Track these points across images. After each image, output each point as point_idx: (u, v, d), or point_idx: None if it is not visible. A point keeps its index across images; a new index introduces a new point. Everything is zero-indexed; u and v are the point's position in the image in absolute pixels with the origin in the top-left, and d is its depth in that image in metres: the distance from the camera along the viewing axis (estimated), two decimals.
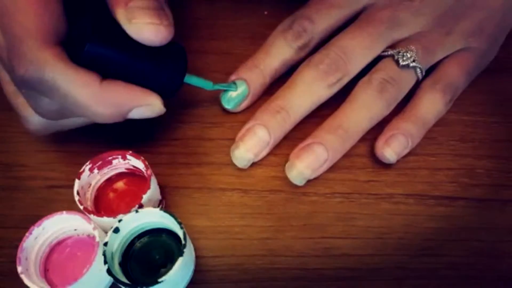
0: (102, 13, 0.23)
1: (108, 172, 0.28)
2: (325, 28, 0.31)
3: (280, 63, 0.32)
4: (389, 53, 0.30)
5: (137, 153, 0.27)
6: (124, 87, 0.24)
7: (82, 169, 0.26)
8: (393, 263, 0.27)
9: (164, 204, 0.29)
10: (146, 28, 0.23)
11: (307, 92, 0.30)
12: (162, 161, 0.30)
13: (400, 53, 0.30)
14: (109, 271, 0.23)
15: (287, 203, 0.29)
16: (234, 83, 0.31)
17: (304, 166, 0.28)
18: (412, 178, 0.30)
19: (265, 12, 0.37)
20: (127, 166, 0.28)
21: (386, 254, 0.27)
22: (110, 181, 0.29)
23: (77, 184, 0.26)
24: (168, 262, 0.25)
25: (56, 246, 0.27)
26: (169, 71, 0.26)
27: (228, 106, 0.31)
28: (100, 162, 0.27)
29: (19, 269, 0.24)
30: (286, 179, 0.30)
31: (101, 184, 0.28)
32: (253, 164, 0.30)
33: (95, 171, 0.27)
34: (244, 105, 0.32)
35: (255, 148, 0.29)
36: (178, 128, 0.32)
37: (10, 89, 0.26)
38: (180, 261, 0.23)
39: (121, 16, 0.22)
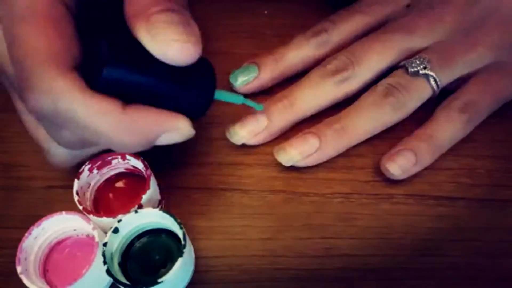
0: (121, 32, 0.21)
1: (108, 172, 0.28)
2: (345, 30, 0.31)
3: (295, 56, 0.32)
4: (402, 63, 0.30)
5: (137, 153, 0.27)
6: (149, 112, 0.21)
7: (81, 169, 0.26)
8: (393, 263, 0.27)
9: (164, 204, 0.29)
10: (172, 46, 0.20)
11: (313, 88, 0.30)
12: (162, 161, 0.30)
13: (410, 61, 0.29)
14: (108, 272, 0.23)
15: (287, 203, 0.29)
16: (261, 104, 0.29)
17: (289, 146, 0.29)
18: (412, 178, 0.30)
19: (265, 12, 0.37)
20: (127, 166, 0.28)
21: (386, 254, 0.27)
22: (110, 181, 0.29)
23: (76, 184, 0.26)
24: (167, 262, 0.25)
25: (56, 246, 0.27)
26: (197, 90, 0.23)
27: (233, 82, 0.32)
28: (99, 162, 0.27)
29: (19, 269, 0.24)
30: (286, 179, 0.30)
31: (101, 184, 0.28)
32: (253, 164, 0.30)
33: (95, 171, 0.27)
34: (250, 86, 0.32)
35: (250, 126, 0.30)
36: None
37: (29, 120, 0.25)
38: (179, 261, 0.23)
39: (142, 32, 0.20)
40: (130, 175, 0.29)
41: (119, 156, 0.27)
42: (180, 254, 0.23)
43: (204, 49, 0.37)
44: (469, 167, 0.30)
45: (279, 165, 0.30)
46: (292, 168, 0.30)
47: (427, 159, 0.29)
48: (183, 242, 0.23)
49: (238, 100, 0.27)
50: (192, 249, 0.27)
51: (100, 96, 0.20)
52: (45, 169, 0.30)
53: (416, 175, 0.30)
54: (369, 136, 0.30)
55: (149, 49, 0.20)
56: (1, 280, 0.27)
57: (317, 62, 0.31)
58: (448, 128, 0.29)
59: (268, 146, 0.31)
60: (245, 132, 0.29)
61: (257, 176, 0.30)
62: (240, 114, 0.32)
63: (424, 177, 0.30)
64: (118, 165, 0.28)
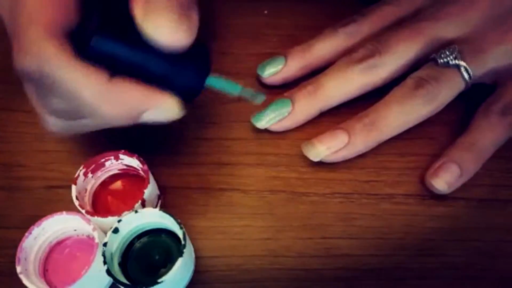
0: (116, 3, 0.21)
1: (102, 175, 0.28)
2: (375, 21, 0.31)
3: (323, 46, 0.31)
4: (431, 56, 0.29)
5: (138, 154, 0.27)
6: (135, 86, 0.21)
7: (76, 174, 0.26)
8: (393, 263, 0.27)
9: (163, 199, 0.29)
10: (161, 32, 0.20)
11: (339, 75, 0.30)
12: (162, 161, 0.30)
13: (440, 52, 0.28)
14: (108, 272, 0.23)
15: (287, 203, 0.29)
16: (263, 93, 0.28)
17: (318, 141, 0.28)
18: (412, 178, 0.30)
19: (265, 12, 0.37)
20: (120, 166, 0.28)
21: (386, 254, 0.27)
22: (105, 184, 0.29)
23: (74, 189, 0.26)
24: (167, 262, 0.25)
25: (56, 246, 0.27)
26: (188, 72, 0.23)
27: (261, 73, 0.32)
28: (93, 166, 0.27)
29: (18, 269, 0.24)
30: (286, 179, 0.30)
31: (97, 188, 0.28)
32: (253, 164, 0.30)
33: (89, 175, 0.27)
34: (277, 77, 0.32)
35: (275, 112, 0.30)
36: (178, 128, 0.32)
37: (29, 93, 0.24)
38: (179, 261, 0.23)
39: (137, 12, 0.20)
40: (125, 175, 0.29)
41: (112, 157, 0.27)
42: (180, 254, 0.23)
43: None
44: None
45: (279, 165, 0.30)
46: (292, 168, 0.30)
47: (472, 169, 0.28)
48: (183, 242, 0.23)
49: (235, 89, 0.25)
50: (192, 249, 0.27)
51: (86, 64, 0.20)
52: (45, 169, 0.30)
53: (416, 175, 0.30)
54: (401, 131, 0.29)
55: (138, 27, 0.20)
56: (1, 280, 0.27)
57: (346, 53, 0.31)
58: (490, 134, 0.28)
59: (268, 146, 0.31)
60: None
61: (257, 176, 0.30)
62: (241, 113, 0.32)
63: (424, 177, 0.30)
64: (112, 166, 0.28)
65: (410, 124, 0.29)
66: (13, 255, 0.24)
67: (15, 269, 0.24)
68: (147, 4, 0.20)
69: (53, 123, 0.24)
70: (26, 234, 0.25)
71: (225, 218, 0.29)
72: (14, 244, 0.24)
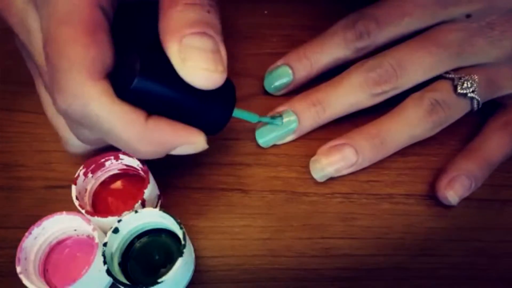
0: (152, 45, 0.21)
1: (102, 175, 0.28)
2: (391, 36, 0.29)
3: (332, 60, 0.31)
4: (449, 76, 0.28)
5: None
6: (169, 126, 0.22)
7: (76, 174, 0.26)
8: (393, 263, 0.27)
9: (163, 199, 0.29)
10: (200, 74, 0.20)
11: (349, 94, 0.29)
12: (161, 161, 0.30)
13: (460, 80, 0.28)
14: (108, 272, 0.23)
15: (287, 203, 0.29)
16: (281, 116, 0.30)
17: (327, 163, 0.28)
18: (412, 178, 0.30)
19: (265, 12, 0.37)
20: (120, 166, 0.28)
21: (386, 254, 0.27)
22: (105, 184, 0.29)
23: (74, 189, 0.26)
24: (167, 262, 0.25)
25: (56, 246, 0.27)
26: (217, 108, 0.24)
27: (269, 89, 0.32)
28: (93, 166, 0.27)
29: (18, 269, 0.24)
30: (286, 179, 0.30)
31: (97, 188, 0.28)
32: (253, 164, 0.30)
33: (89, 175, 0.27)
34: (284, 91, 0.32)
35: (282, 132, 0.30)
36: None
37: (51, 110, 0.25)
38: (179, 261, 0.23)
39: (174, 52, 0.20)
40: (124, 175, 0.29)
41: (112, 157, 0.27)
42: (180, 254, 0.23)
43: None
44: None
45: (279, 165, 0.30)
46: (292, 168, 0.30)
47: (481, 179, 0.29)
48: (183, 242, 0.23)
49: (254, 118, 0.27)
50: (192, 249, 0.27)
51: (127, 106, 0.21)
52: (45, 169, 0.30)
53: (416, 175, 0.30)
54: (402, 147, 0.29)
55: (177, 71, 0.20)
56: (1, 280, 0.27)
57: (354, 61, 0.30)
58: (502, 152, 0.29)
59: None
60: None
61: (257, 176, 0.30)
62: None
63: (424, 177, 0.30)
64: (111, 166, 0.28)
65: (412, 142, 0.29)
66: (13, 255, 0.24)
67: (15, 269, 0.23)
68: (182, 46, 0.20)
69: (76, 145, 0.25)
70: (26, 234, 0.25)
71: (225, 218, 0.29)
72: (14, 244, 0.24)
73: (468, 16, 0.28)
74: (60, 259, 0.26)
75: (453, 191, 0.28)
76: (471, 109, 0.29)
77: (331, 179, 0.30)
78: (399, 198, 0.29)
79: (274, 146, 0.31)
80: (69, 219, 0.25)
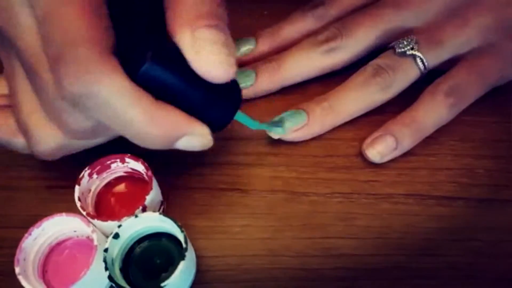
0: (160, 31, 0.21)
1: (107, 176, 0.28)
2: (342, 4, 0.33)
3: (292, 29, 0.33)
4: (391, 44, 0.30)
5: (137, 153, 0.27)
6: (176, 112, 0.21)
7: (81, 175, 0.26)
8: (393, 263, 0.27)
9: (165, 205, 0.29)
10: (213, 66, 0.20)
11: (301, 54, 0.31)
12: (162, 161, 0.30)
13: (398, 42, 0.30)
14: (110, 278, 0.22)
15: (287, 203, 0.29)
16: (281, 121, 0.30)
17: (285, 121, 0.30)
18: (412, 178, 0.30)
19: (265, 12, 0.37)
20: (126, 169, 0.28)
21: (386, 254, 0.27)
22: (110, 185, 0.29)
23: (77, 190, 0.26)
24: (169, 266, 0.25)
25: (56, 247, 0.26)
26: (222, 105, 0.24)
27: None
28: (98, 167, 0.27)
29: (17, 270, 0.23)
30: (286, 179, 0.30)
31: (101, 189, 0.28)
32: (253, 164, 0.30)
33: (94, 176, 0.27)
34: (248, 57, 0.33)
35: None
36: None
37: (26, 109, 0.23)
38: (182, 264, 0.22)
39: (186, 44, 0.20)
40: (130, 178, 0.29)
41: (118, 160, 0.27)
42: (182, 257, 0.23)
43: None
44: (469, 167, 0.30)
45: (279, 165, 0.30)
46: (292, 168, 0.30)
47: (408, 143, 0.29)
48: (184, 245, 0.23)
49: (254, 125, 0.27)
50: (194, 251, 0.27)
51: (137, 86, 0.20)
52: (45, 169, 0.30)
53: (416, 175, 0.30)
54: (356, 115, 0.31)
55: (190, 63, 0.20)
56: (1, 280, 0.27)
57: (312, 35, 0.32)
58: (432, 112, 0.29)
59: (268, 146, 0.31)
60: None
61: (257, 176, 0.30)
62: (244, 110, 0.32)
63: (424, 177, 0.30)
64: (117, 168, 0.28)
65: (364, 110, 0.30)
66: (13, 255, 0.24)
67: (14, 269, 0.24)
68: (195, 39, 0.20)
69: (50, 142, 0.24)
70: (26, 235, 0.25)
71: (225, 218, 0.29)
72: (14, 244, 0.24)
73: None
74: (60, 260, 0.26)
75: (373, 149, 0.29)
76: (418, 69, 0.30)
77: (331, 179, 0.30)
78: (399, 198, 0.29)
79: (274, 146, 0.31)
80: (69, 221, 0.25)
